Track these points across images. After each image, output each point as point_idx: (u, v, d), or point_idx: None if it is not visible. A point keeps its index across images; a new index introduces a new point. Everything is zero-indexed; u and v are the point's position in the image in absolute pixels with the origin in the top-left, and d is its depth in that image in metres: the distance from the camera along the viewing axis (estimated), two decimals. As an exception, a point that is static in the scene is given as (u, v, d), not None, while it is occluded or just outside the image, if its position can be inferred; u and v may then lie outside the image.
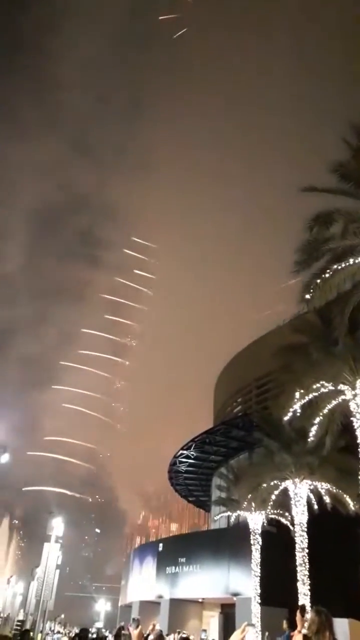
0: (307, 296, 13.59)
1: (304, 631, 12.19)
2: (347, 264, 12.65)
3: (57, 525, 26.73)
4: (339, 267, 12.94)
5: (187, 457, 39.14)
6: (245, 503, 24.54)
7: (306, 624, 12.29)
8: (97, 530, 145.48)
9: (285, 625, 19.40)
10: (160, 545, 41.13)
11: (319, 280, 13.32)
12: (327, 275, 13.13)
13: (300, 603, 17.91)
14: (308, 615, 12.81)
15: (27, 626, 27.65)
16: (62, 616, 57.82)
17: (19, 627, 30.81)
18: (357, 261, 12.56)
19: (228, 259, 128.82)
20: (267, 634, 22.05)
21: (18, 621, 36.33)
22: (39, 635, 25.60)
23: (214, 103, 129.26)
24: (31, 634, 20.54)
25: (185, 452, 38.50)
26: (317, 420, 16.30)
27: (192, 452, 38.45)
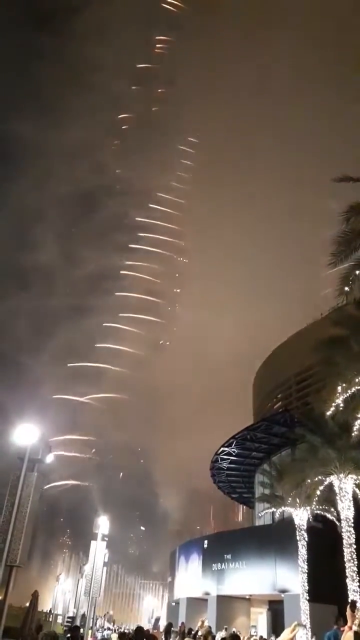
0: (346, 288, 13.38)
1: (355, 627, 12.00)
2: (387, 253, 12.37)
3: (103, 524, 27.13)
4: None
5: (229, 454, 39.07)
6: (290, 499, 24.34)
7: (357, 621, 12.13)
8: (142, 528, 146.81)
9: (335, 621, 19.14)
10: (205, 542, 41.18)
11: (358, 272, 13.09)
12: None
13: (350, 599, 17.63)
14: (359, 612, 12.63)
15: (77, 623, 28.19)
16: (111, 612, 58.57)
17: (69, 624, 31.48)
18: None
19: (266, 253, 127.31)
20: (314, 638, 21.77)
21: (69, 617, 37.10)
22: (89, 632, 26.07)
23: (256, 89, 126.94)
24: (81, 630, 20.96)
25: (226, 448, 38.44)
26: (361, 414, 16.01)
27: (233, 449, 38.35)
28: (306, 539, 24.42)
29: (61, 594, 56.74)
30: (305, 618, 22.89)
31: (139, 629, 13.70)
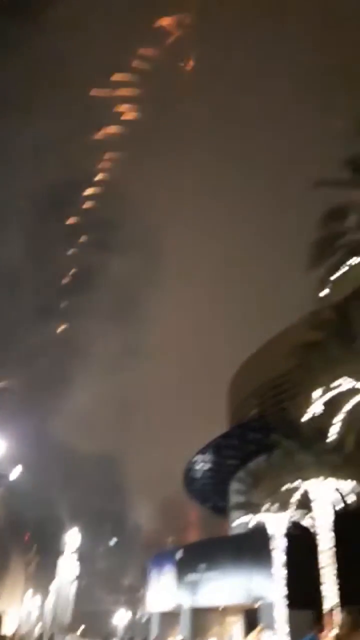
0: (323, 292, 13.46)
1: (335, 631, 11.95)
2: (365, 257, 12.51)
3: (72, 538, 26.54)
4: (356, 261, 12.83)
5: (203, 461, 38.89)
6: (266, 506, 24.26)
7: (336, 625, 12.07)
8: (114, 540, 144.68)
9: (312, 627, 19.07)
10: (179, 552, 40.74)
11: (334, 275, 13.19)
12: (343, 269, 13.00)
13: (327, 605, 17.62)
14: (336, 617, 12.60)
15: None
16: (83, 627, 57.28)
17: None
18: (374, 254, 12.41)
19: (241, 256, 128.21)
20: None
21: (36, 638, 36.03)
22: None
23: (228, 91, 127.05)
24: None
25: (200, 456, 38.25)
26: (337, 418, 16.08)
27: (208, 457, 38.20)
28: (282, 545, 24.37)
29: (26, 614, 55.09)
30: (280, 625, 22.78)
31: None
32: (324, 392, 15.53)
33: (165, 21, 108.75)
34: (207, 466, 39.21)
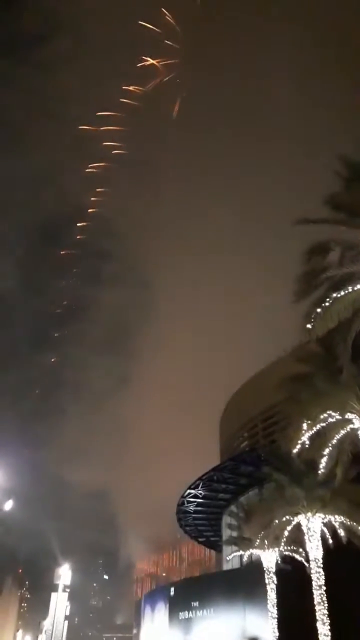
0: (309, 325, 13.59)
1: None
2: (347, 291, 12.68)
3: (65, 574, 26.05)
4: (339, 295, 12.99)
5: (195, 496, 38.34)
6: (258, 541, 23.92)
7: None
8: (106, 577, 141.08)
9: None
10: (172, 589, 39.86)
11: (319, 309, 13.35)
12: (327, 303, 13.16)
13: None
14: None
15: None
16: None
17: None
18: (356, 288, 12.59)
19: (229, 291, 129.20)
20: None
21: None
22: None
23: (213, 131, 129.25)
24: None
25: (193, 491, 37.72)
26: (326, 451, 16.04)
27: (200, 491, 37.68)
28: (275, 582, 23.96)
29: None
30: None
31: None
32: (313, 425, 15.55)
33: (153, 61, 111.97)
34: (200, 501, 38.64)
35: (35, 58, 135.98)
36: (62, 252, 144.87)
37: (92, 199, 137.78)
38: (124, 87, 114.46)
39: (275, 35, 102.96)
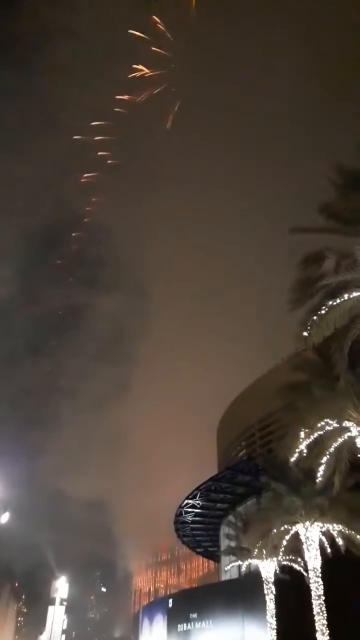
0: (305, 333, 13.59)
1: None
2: (343, 299, 12.70)
3: (62, 587, 25.78)
4: (335, 303, 13.01)
5: (193, 506, 38.09)
6: (256, 550, 23.78)
7: None
8: (103, 589, 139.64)
9: None
10: (170, 601, 39.50)
11: (315, 317, 13.36)
12: (323, 311, 13.17)
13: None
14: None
15: None
16: None
17: None
18: (352, 296, 12.61)
19: (227, 298, 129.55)
20: None
21: None
22: None
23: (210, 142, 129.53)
24: None
25: (190, 501, 37.49)
26: (324, 459, 15.99)
27: (197, 501, 37.44)
28: (274, 592, 23.78)
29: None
30: None
31: None
32: (311, 433, 15.51)
33: (148, 70, 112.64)
34: (197, 511, 38.39)
35: (32, 66, 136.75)
36: (58, 262, 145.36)
37: (88, 208, 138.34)
38: (118, 97, 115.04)
39: (273, 44, 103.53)
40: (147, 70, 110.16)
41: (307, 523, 20.11)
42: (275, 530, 21.42)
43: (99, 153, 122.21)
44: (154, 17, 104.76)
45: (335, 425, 15.15)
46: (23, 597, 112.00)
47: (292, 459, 16.15)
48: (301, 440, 15.61)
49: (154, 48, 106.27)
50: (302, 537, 20.37)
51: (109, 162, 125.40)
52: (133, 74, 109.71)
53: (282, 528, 21.10)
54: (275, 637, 23.00)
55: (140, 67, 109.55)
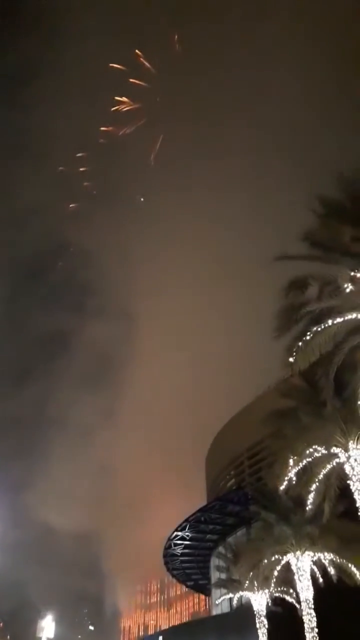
0: (291, 359, 13.65)
1: None
2: (327, 325, 12.83)
3: (48, 626, 24.97)
4: (319, 329, 13.13)
5: (182, 538, 37.38)
6: (247, 582, 23.31)
7: None
8: (91, 628, 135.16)
9: None
10: (160, 638, 38.37)
11: (300, 343, 13.45)
12: (308, 337, 13.28)
13: None
14: None
15: None
16: None
17: None
18: (335, 322, 12.75)
19: (213, 324, 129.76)
20: None
21: None
22: None
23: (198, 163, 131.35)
24: None
25: (179, 533, 36.80)
26: (313, 486, 15.89)
27: (187, 533, 36.77)
28: (266, 625, 23.26)
29: None
30: None
31: None
32: (299, 460, 15.44)
33: (132, 103, 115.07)
34: (187, 543, 37.62)
35: (17, 100, 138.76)
36: (44, 289, 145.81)
37: (74, 236, 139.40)
38: (102, 128, 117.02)
39: (259, 79, 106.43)
40: (130, 103, 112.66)
41: (298, 552, 19.81)
42: (266, 561, 21.06)
43: (85, 183, 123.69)
44: (137, 51, 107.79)
45: (324, 451, 15.12)
46: (8, 637, 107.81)
47: (282, 487, 16.02)
48: (290, 467, 15.53)
49: (135, 80, 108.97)
50: (294, 567, 20.03)
51: (94, 192, 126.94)
52: (116, 107, 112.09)
53: (273, 558, 20.75)
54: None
55: (123, 99, 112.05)
